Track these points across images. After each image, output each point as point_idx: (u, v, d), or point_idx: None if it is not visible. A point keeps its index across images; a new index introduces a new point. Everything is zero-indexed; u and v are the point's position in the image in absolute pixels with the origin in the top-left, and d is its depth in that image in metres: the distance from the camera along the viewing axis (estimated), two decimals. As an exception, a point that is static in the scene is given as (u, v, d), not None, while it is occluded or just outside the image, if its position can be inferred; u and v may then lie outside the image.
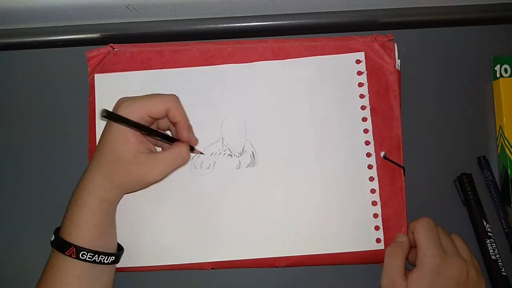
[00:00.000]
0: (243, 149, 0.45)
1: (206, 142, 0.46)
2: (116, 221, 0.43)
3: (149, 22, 0.51)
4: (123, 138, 0.39)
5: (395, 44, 0.46)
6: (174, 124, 0.42)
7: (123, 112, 0.39)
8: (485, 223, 0.45)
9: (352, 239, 0.44)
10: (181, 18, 0.51)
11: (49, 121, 0.49)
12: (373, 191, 0.44)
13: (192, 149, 0.43)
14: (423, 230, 0.41)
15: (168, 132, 0.45)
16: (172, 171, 0.42)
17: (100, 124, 0.45)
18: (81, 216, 0.39)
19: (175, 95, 0.41)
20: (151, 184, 0.42)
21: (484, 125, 0.49)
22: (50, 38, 0.51)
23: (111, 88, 0.46)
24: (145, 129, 0.40)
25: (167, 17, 0.51)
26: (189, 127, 0.42)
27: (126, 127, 0.39)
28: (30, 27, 0.51)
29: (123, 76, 0.46)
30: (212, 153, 0.45)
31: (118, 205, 0.43)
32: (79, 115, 0.47)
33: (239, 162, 0.45)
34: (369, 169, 0.45)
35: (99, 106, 0.46)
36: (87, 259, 0.38)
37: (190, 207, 0.45)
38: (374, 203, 0.44)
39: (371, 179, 0.44)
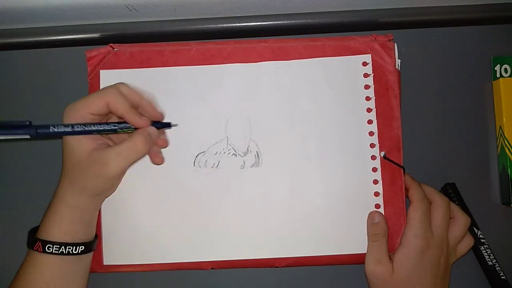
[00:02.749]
0: (247, 149, 0.45)
1: (211, 140, 0.46)
2: (116, 219, 0.43)
3: (149, 22, 0.51)
4: (74, 141, 0.39)
5: (395, 44, 0.46)
6: (118, 116, 0.40)
7: (67, 119, 0.39)
8: (476, 230, 0.45)
9: (354, 241, 0.44)
10: (181, 18, 0.51)
11: (48, 121, 0.49)
12: (376, 194, 0.44)
13: (159, 127, 0.42)
14: (419, 212, 0.42)
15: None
16: (131, 163, 0.40)
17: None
18: (52, 222, 0.39)
19: (115, 87, 0.40)
20: (115, 180, 0.42)
21: (484, 125, 0.49)
22: (50, 38, 0.50)
23: None
24: (97, 130, 0.39)
25: (167, 17, 0.51)
26: (136, 114, 0.40)
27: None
28: (30, 27, 0.51)
29: (129, 73, 0.46)
30: (217, 152, 0.45)
31: (118, 203, 0.43)
32: (79, 115, 0.47)
33: (244, 162, 0.45)
34: (374, 172, 0.45)
35: None
36: (53, 251, 0.38)
37: (192, 205, 0.45)
38: (377, 206, 0.44)
39: (375, 182, 0.44)
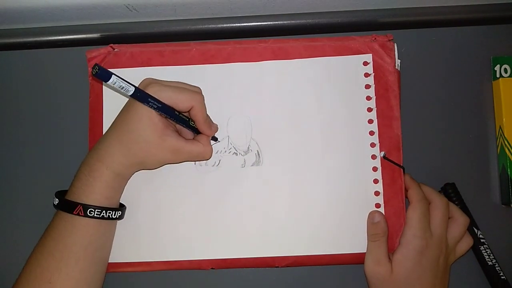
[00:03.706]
0: (248, 147, 0.46)
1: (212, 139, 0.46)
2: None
3: (149, 22, 0.51)
4: (149, 120, 0.39)
5: (395, 44, 0.46)
6: (193, 120, 0.42)
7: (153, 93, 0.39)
8: (476, 230, 0.45)
9: (353, 240, 0.44)
10: (181, 18, 0.51)
11: (49, 121, 0.49)
12: (377, 193, 0.44)
13: (213, 138, 0.45)
14: (418, 212, 0.42)
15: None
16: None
17: (108, 122, 0.45)
18: (95, 187, 0.40)
19: (201, 93, 0.42)
20: (166, 164, 0.44)
21: (484, 125, 0.49)
22: (50, 38, 0.51)
23: None
24: (175, 117, 0.40)
25: (167, 17, 0.51)
26: (210, 125, 0.43)
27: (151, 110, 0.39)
28: (30, 27, 0.51)
29: (129, 72, 0.46)
30: (218, 151, 0.46)
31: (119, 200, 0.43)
32: (79, 115, 0.47)
33: (244, 161, 0.45)
34: (374, 171, 0.45)
35: (107, 102, 0.46)
36: (95, 215, 0.39)
37: (192, 204, 0.45)
38: (377, 205, 0.44)
39: (376, 181, 0.44)
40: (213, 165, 0.45)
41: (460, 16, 0.50)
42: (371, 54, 0.46)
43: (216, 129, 0.45)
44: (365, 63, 0.46)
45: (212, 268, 0.45)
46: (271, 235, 0.44)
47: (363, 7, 0.50)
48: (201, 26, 0.50)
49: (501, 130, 0.47)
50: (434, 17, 0.50)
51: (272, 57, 0.46)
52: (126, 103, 0.42)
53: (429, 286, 0.41)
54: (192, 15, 0.51)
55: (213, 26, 0.50)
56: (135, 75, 0.46)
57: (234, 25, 0.50)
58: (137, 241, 0.45)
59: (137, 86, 0.37)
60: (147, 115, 0.39)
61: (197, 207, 0.45)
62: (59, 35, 0.51)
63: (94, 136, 0.46)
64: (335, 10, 0.50)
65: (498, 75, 0.48)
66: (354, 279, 0.46)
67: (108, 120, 0.45)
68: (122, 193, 0.43)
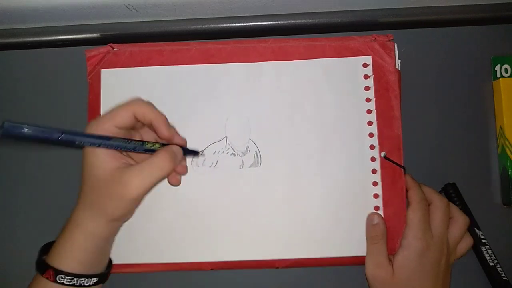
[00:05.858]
0: (246, 148, 0.45)
1: (210, 140, 0.45)
2: None
3: (149, 22, 0.51)
4: (95, 158, 0.36)
5: (395, 44, 0.46)
6: (150, 125, 0.38)
7: (90, 131, 0.36)
8: (477, 230, 0.45)
9: (353, 243, 0.44)
10: (181, 18, 0.51)
11: (48, 121, 0.49)
12: (376, 196, 0.44)
13: (186, 152, 0.41)
14: (419, 213, 0.42)
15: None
16: (155, 183, 0.37)
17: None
18: (67, 250, 0.37)
19: (139, 97, 0.38)
20: (135, 202, 0.37)
21: (484, 125, 0.48)
22: (50, 38, 0.51)
23: (117, 83, 0.46)
24: (121, 144, 0.36)
25: (167, 17, 0.51)
26: (167, 124, 0.38)
27: (96, 148, 0.36)
28: (30, 27, 0.51)
29: (129, 72, 0.46)
30: (215, 152, 0.45)
31: None
32: (79, 115, 0.47)
33: (242, 162, 0.45)
34: (373, 173, 0.44)
35: (105, 102, 0.46)
36: (64, 282, 0.36)
37: (190, 205, 0.45)
38: (376, 208, 0.44)
39: (375, 183, 0.44)
40: (211, 166, 0.45)
41: (460, 16, 0.50)
42: (370, 56, 0.46)
43: (181, 140, 0.40)
44: (365, 65, 0.46)
45: (212, 269, 0.44)
46: (271, 237, 0.44)
47: (363, 7, 0.50)
48: (201, 26, 0.50)
49: (502, 130, 0.47)
50: (434, 17, 0.50)
51: (272, 57, 0.46)
52: None
53: (431, 287, 0.40)
54: (192, 15, 0.51)
55: (213, 26, 0.50)
56: (135, 75, 0.46)
57: (234, 25, 0.50)
58: (136, 242, 0.44)
59: (64, 130, 0.34)
60: (93, 154, 0.36)
61: (195, 208, 0.45)
62: (59, 35, 0.51)
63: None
64: (335, 10, 0.50)
65: (498, 75, 0.48)
66: (354, 279, 0.45)
67: None
68: (104, 258, 0.40)
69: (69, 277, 0.36)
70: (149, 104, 0.38)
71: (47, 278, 0.36)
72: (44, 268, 0.36)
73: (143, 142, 0.38)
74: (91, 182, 0.36)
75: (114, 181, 0.35)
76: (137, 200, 0.37)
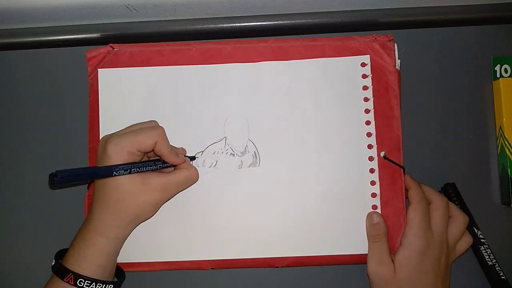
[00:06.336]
0: (245, 148, 0.45)
1: (209, 140, 0.46)
2: None
3: (149, 22, 0.51)
4: (124, 178, 0.39)
5: (395, 44, 0.46)
6: (159, 155, 0.42)
7: (115, 154, 0.39)
8: (476, 230, 0.45)
9: (352, 241, 0.44)
10: (181, 18, 0.51)
11: (49, 121, 0.49)
12: (374, 195, 0.44)
13: (190, 158, 0.45)
14: (419, 212, 0.42)
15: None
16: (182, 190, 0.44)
17: (104, 123, 0.46)
18: (87, 255, 0.39)
19: (161, 127, 0.42)
20: (161, 205, 0.43)
21: (484, 125, 0.49)
22: (50, 38, 0.51)
23: (118, 84, 0.46)
24: (148, 165, 0.41)
25: (167, 17, 0.51)
26: (176, 154, 0.42)
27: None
28: (30, 27, 0.51)
29: (128, 72, 0.46)
30: (215, 152, 0.45)
31: None
32: (79, 115, 0.47)
33: (241, 162, 0.45)
34: (371, 173, 0.45)
35: (103, 102, 0.46)
36: (84, 286, 0.39)
37: (190, 205, 0.45)
38: (374, 207, 0.44)
39: (373, 183, 0.44)
40: (210, 166, 0.45)
41: (460, 16, 0.50)
42: (368, 56, 0.46)
43: (185, 152, 0.45)
44: (363, 64, 0.46)
45: (212, 268, 0.45)
46: (270, 236, 0.44)
47: (363, 7, 0.50)
48: (201, 26, 0.50)
49: (501, 130, 0.47)
50: (434, 17, 0.50)
51: (272, 57, 0.46)
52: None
53: (431, 285, 0.41)
54: (192, 15, 0.51)
55: (213, 26, 0.50)
56: (135, 75, 0.46)
57: (234, 25, 0.50)
58: (137, 241, 0.44)
59: (99, 166, 0.39)
60: (118, 180, 0.39)
61: (195, 208, 0.45)
62: (59, 35, 0.51)
63: (94, 135, 0.46)
64: (335, 10, 0.50)
65: (498, 75, 0.48)
66: (354, 278, 0.46)
67: (104, 120, 0.45)
68: (116, 260, 0.43)
69: (88, 281, 0.39)
70: (167, 139, 0.42)
71: (67, 282, 0.38)
72: (64, 272, 0.39)
73: (163, 161, 0.42)
74: (117, 196, 0.40)
75: (149, 189, 0.40)
76: (162, 204, 0.43)
